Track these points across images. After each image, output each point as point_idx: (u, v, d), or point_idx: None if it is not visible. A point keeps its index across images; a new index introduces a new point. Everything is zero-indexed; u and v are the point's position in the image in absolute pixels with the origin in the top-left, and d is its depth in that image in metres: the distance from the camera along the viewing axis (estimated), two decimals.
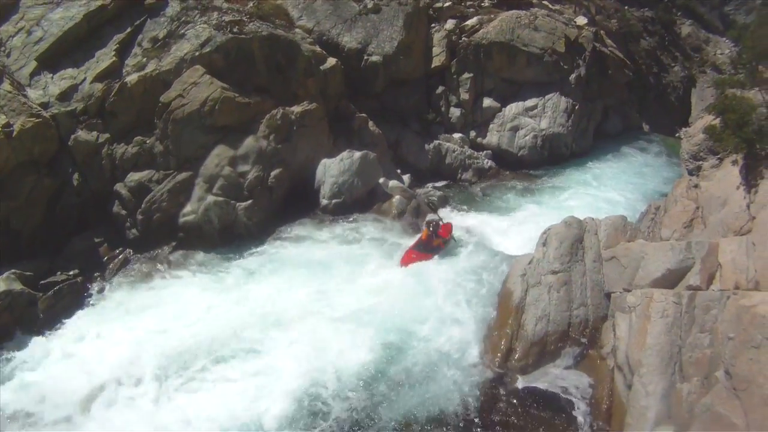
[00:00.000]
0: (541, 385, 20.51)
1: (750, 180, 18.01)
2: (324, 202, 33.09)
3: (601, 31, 51.82)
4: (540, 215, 33.59)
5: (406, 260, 27.96)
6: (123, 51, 32.76)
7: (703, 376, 15.79)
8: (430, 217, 31.07)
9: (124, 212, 30.35)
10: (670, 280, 18.52)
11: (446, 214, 34.36)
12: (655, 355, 17.15)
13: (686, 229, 20.03)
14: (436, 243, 28.78)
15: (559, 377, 20.62)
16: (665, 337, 17.16)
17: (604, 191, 38.25)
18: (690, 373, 16.25)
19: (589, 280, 21.78)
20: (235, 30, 33.22)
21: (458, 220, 33.78)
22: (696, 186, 20.63)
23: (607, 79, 48.69)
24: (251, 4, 36.90)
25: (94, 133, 30.47)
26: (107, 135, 30.68)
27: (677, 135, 50.17)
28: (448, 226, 30.47)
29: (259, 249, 30.03)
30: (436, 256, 28.40)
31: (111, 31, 33.27)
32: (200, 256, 29.40)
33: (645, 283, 19.21)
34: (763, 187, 17.42)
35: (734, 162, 19.15)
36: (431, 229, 28.71)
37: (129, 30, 33.46)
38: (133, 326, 24.20)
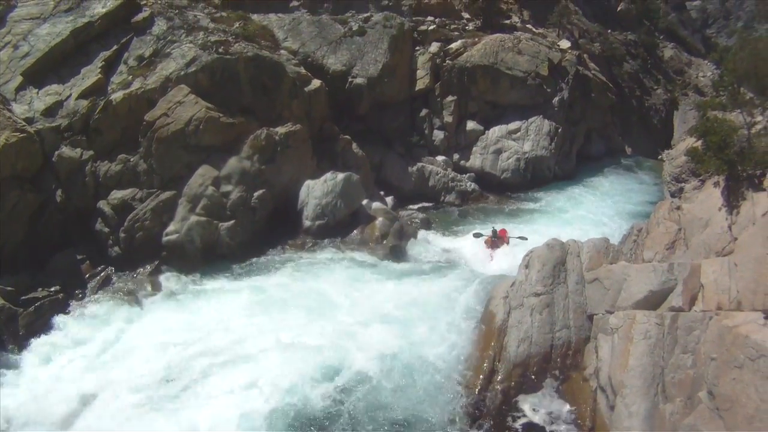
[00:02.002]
0: (524, 406, 20.43)
1: (732, 201, 18.12)
2: (307, 223, 33.01)
3: (585, 55, 52.35)
4: (521, 239, 33.65)
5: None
6: (109, 68, 32.83)
7: (686, 397, 15.83)
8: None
9: (106, 230, 30.21)
10: (653, 301, 18.56)
11: (428, 236, 34.52)
12: (637, 376, 17.18)
13: (668, 251, 20.11)
14: (497, 242, 33.62)
15: (541, 399, 20.55)
16: (648, 359, 17.20)
17: (586, 213, 38.44)
18: (673, 394, 16.29)
19: (571, 302, 21.72)
20: (220, 50, 33.32)
21: (441, 242, 33.96)
22: (678, 208, 20.74)
23: (590, 102, 49.08)
24: (237, 25, 37.00)
25: (78, 150, 30.42)
26: (91, 152, 30.63)
27: (660, 157, 50.68)
28: (503, 231, 34.65)
29: (240, 269, 29.91)
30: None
31: (97, 48, 33.37)
32: (182, 275, 29.23)
33: (627, 305, 19.22)
34: (744, 208, 17.53)
35: (716, 184, 19.28)
36: (492, 236, 33.79)
37: (115, 48, 33.60)
38: (116, 344, 24.03)
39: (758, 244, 15.83)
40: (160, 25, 34.81)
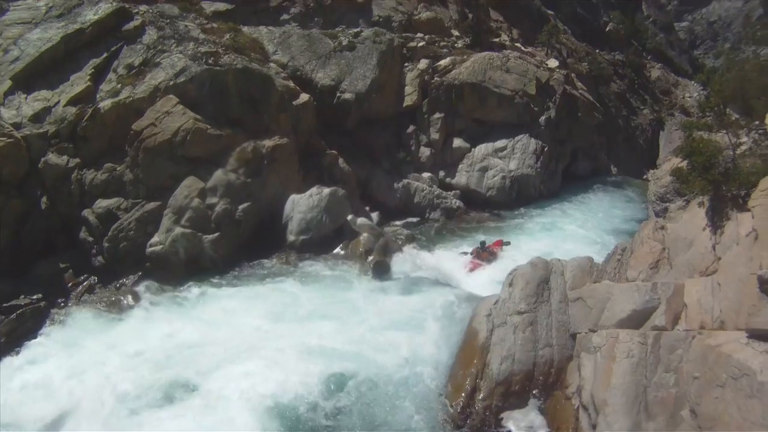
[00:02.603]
0: (506, 424, 20.37)
1: (716, 221, 18.19)
2: (291, 238, 32.88)
3: (572, 74, 52.73)
4: (507, 256, 33.76)
5: (472, 267, 33.24)
6: (98, 76, 32.74)
7: (669, 416, 15.83)
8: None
9: (90, 239, 30.11)
10: (636, 320, 18.56)
11: (413, 252, 34.49)
12: (620, 395, 17.16)
13: (652, 270, 20.15)
14: (485, 255, 33.81)
15: (523, 417, 20.52)
16: (630, 377, 17.19)
17: (570, 232, 38.59)
18: (655, 412, 16.28)
19: (554, 320, 21.75)
20: (210, 61, 33.34)
21: (425, 258, 33.91)
22: (662, 227, 20.80)
23: (576, 122, 49.43)
24: (227, 36, 37.05)
25: (65, 157, 30.33)
26: (77, 160, 30.53)
27: (645, 177, 51.04)
28: (498, 242, 35.48)
29: (224, 282, 29.77)
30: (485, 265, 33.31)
31: (87, 55, 33.30)
32: (165, 287, 29.02)
33: (610, 324, 19.22)
34: (728, 228, 17.59)
35: (700, 204, 19.34)
36: (480, 248, 34.29)
37: (105, 55, 33.51)
38: (96, 355, 23.70)
39: (742, 264, 15.88)
40: (150, 35, 34.77)
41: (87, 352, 23.99)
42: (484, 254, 33.97)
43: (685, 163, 20.57)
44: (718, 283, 16.31)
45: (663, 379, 16.51)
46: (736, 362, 14.05)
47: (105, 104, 31.08)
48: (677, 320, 17.44)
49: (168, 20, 36.59)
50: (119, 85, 32.33)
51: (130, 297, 28.29)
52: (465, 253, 34.49)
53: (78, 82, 32.06)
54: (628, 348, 17.68)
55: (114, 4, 35.24)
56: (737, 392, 13.82)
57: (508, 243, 34.99)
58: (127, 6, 35.79)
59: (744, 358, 13.98)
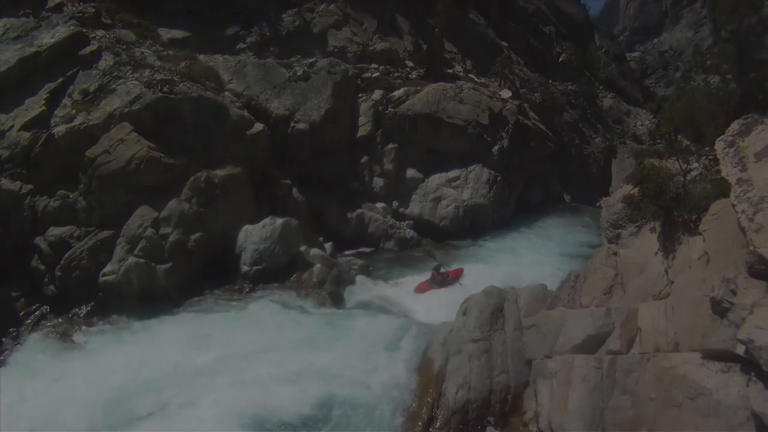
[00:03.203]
0: None
1: (667, 246, 18.43)
2: (244, 268, 32.64)
3: (525, 104, 53.19)
4: (460, 285, 33.82)
5: (421, 289, 33.83)
6: (53, 101, 32.48)
7: None
8: (433, 264, 35.51)
9: (42, 267, 29.69)
10: (591, 345, 18.68)
11: (367, 282, 34.53)
12: (577, 419, 17.22)
13: (606, 296, 20.34)
14: (440, 278, 34.25)
15: None
16: (587, 401, 17.26)
17: (524, 261, 38.70)
18: None
19: (509, 347, 21.77)
20: (165, 89, 33.29)
21: (379, 288, 33.94)
22: (615, 254, 21.03)
23: (529, 151, 49.80)
24: (183, 64, 37.04)
25: (18, 183, 30.04)
26: (30, 186, 30.25)
27: (597, 204, 51.40)
28: (458, 271, 35.65)
29: (178, 312, 29.36)
30: (442, 289, 33.78)
31: (43, 79, 33.06)
32: (118, 317, 28.65)
33: (565, 350, 19.33)
34: (680, 252, 17.82)
35: (652, 229, 19.61)
36: (435, 270, 34.51)
37: (61, 80, 33.28)
38: (49, 386, 23.26)
39: (694, 287, 16.09)
40: (107, 60, 34.63)
41: (39, 382, 23.52)
42: (438, 277, 34.24)
43: (636, 190, 20.84)
44: (671, 306, 16.50)
45: (620, 401, 16.62)
46: (692, 382, 14.20)
47: (59, 130, 30.87)
48: (632, 344, 17.60)
49: (124, 46, 36.52)
50: (74, 111, 32.11)
51: (82, 327, 27.89)
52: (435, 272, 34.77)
53: (33, 107, 31.81)
54: (584, 373, 17.77)
55: (71, 28, 35.19)
56: (694, 411, 13.96)
57: (460, 284, 34.56)
58: (84, 30, 35.68)
59: (699, 378, 14.14)
